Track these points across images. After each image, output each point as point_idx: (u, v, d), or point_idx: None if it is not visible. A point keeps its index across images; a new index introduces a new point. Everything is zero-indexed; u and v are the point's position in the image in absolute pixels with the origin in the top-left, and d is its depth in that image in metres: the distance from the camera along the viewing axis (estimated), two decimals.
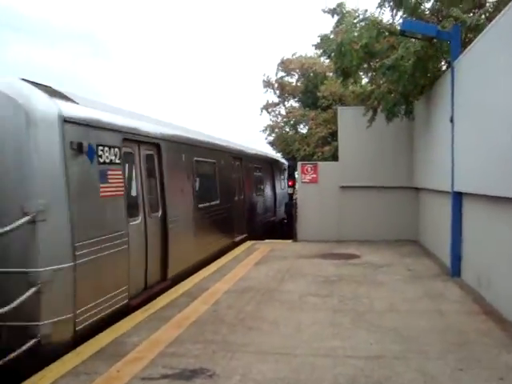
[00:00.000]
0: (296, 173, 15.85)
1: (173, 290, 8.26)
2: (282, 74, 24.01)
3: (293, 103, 24.76)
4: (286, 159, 21.91)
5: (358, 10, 13.75)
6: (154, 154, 8.43)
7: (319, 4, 25.42)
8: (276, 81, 23.72)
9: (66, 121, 5.78)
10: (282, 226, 19.39)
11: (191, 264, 9.74)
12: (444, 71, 10.62)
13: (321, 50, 13.90)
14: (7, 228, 5.17)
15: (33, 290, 5.24)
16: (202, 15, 70.33)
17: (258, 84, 37.61)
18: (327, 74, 22.72)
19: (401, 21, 10.75)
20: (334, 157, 18.09)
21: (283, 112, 24.19)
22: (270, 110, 24.36)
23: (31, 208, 5.34)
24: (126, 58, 64.87)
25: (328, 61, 22.30)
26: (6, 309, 5.00)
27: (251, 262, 11.00)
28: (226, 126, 47.29)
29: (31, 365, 5.03)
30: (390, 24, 11.79)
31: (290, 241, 14.57)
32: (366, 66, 13.19)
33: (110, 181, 6.62)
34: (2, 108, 5.45)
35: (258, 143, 23.66)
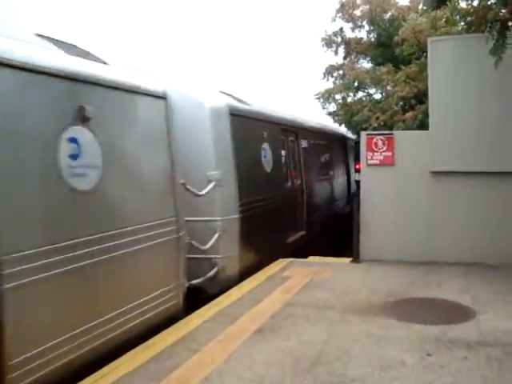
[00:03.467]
0: None
1: None
2: (344, 24, 17.81)
3: (364, 64, 18.55)
4: (354, 134, 16.22)
5: None
6: None
7: None
8: (335, 34, 17.54)
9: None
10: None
11: None
12: None
13: None
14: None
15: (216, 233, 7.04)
16: None
17: (314, 41, 29.66)
18: (407, 17, 16.40)
19: None
20: (422, 126, 12.14)
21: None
22: (334, 74, 18.34)
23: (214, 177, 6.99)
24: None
25: None
26: (207, 245, 6.90)
27: (253, 322, 5.63)
28: (276, 93, 39.22)
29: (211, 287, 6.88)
30: None
31: (349, 260, 9.02)
32: None
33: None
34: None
35: (317, 114, 17.39)
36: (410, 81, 14.13)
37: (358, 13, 17.40)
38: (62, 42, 4.81)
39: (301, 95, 43.12)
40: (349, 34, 18.22)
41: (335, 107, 16.37)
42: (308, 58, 43.81)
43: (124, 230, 4.88)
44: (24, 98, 3.87)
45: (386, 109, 14.12)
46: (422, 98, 14.17)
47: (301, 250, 9.87)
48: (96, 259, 4.46)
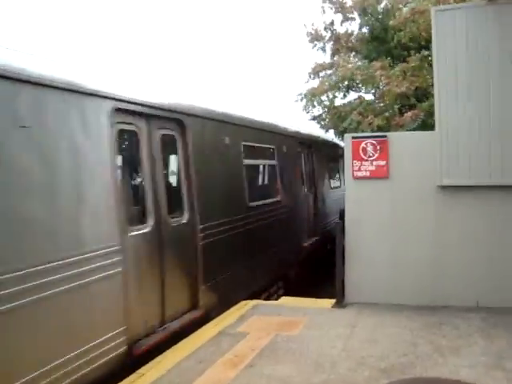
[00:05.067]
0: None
1: None
2: (333, 16, 15.72)
3: (356, 62, 16.38)
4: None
5: None
6: None
7: None
8: (325, 27, 15.38)
9: None
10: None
11: None
12: None
13: None
14: None
15: None
16: None
17: (299, 37, 26.67)
18: (403, 6, 14.31)
19: None
20: (424, 127, 10.02)
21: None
22: (321, 74, 16.15)
23: None
24: None
25: None
26: None
27: None
28: (251, 95, 35.44)
29: None
30: None
31: (331, 304, 6.83)
32: None
33: None
34: None
35: (298, 118, 15.05)
36: (407, 74, 12.04)
37: (349, 2, 15.27)
38: None
39: (280, 98, 40.27)
40: (339, 27, 16.12)
41: (320, 110, 14.18)
42: (294, 57, 40.91)
43: None
44: None
45: (381, 111, 11.98)
46: (422, 97, 12.10)
47: None
48: None
